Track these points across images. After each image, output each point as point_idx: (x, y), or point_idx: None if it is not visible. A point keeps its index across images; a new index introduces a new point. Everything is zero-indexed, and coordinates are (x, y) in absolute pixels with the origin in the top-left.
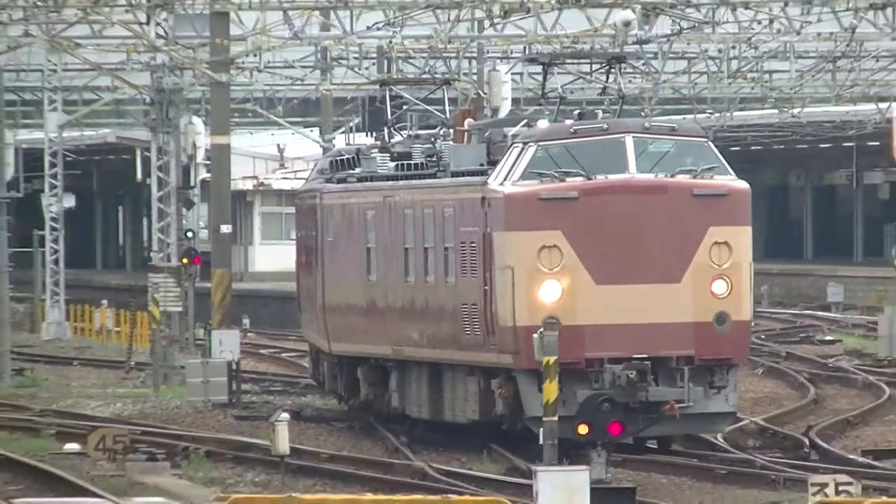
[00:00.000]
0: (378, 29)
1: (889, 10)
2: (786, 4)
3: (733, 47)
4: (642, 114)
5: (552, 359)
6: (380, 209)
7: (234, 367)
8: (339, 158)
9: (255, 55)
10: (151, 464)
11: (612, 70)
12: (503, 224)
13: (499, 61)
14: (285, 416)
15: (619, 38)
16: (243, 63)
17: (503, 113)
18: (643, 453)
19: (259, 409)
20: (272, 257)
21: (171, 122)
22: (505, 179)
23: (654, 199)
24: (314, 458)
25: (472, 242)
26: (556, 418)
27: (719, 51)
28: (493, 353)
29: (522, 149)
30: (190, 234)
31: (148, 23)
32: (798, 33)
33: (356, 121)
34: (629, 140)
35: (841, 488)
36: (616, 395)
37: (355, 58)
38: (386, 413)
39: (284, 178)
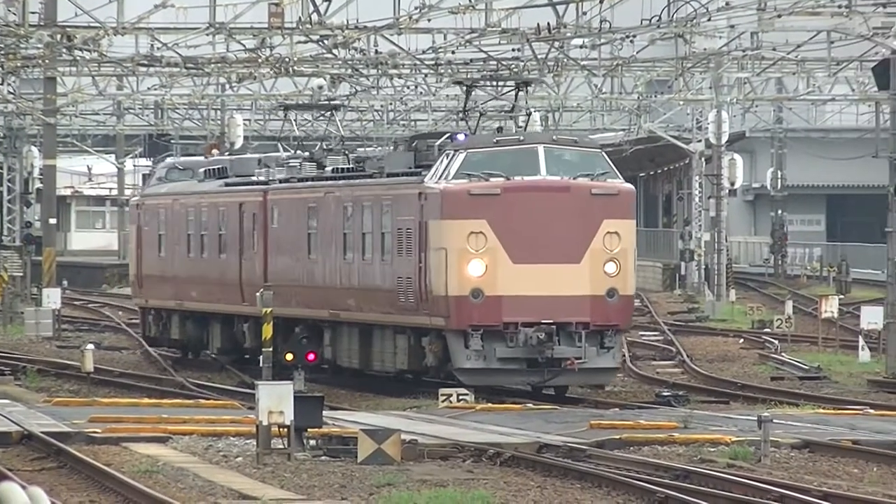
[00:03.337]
0: (155, 89)
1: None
2: (426, 76)
3: (391, 104)
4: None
5: (269, 309)
6: (321, 203)
7: (56, 313)
8: (213, 168)
9: (73, 105)
10: (0, 377)
11: (521, 91)
12: (439, 214)
13: (235, 111)
14: (91, 346)
15: (315, 97)
16: (65, 111)
17: (238, 146)
18: (322, 372)
19: (73, 341)
20: (83, 240)
21: (17, 149)
22: (440, 178)
23: (561, 196)
24: (110, 375)
25: (408, 229)
26: (270, 349)
27: (381, 106)
28: (424, 316)
29: (453, 155)
30: (29, 224)
31: (2, 83)
32: (434, 94)
33: (139, 150)
34: (541, 149)
35: (460, 397)
36: (526, 353)
37: (140, 108)
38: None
39: (91, 188)
